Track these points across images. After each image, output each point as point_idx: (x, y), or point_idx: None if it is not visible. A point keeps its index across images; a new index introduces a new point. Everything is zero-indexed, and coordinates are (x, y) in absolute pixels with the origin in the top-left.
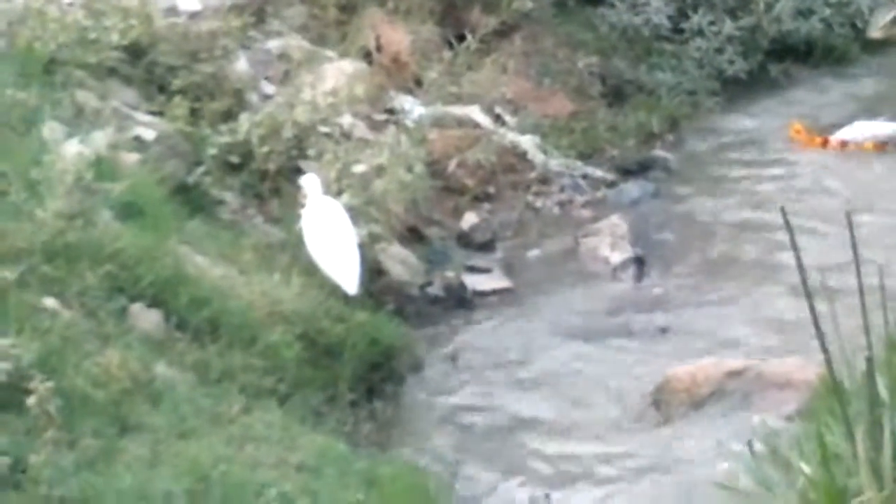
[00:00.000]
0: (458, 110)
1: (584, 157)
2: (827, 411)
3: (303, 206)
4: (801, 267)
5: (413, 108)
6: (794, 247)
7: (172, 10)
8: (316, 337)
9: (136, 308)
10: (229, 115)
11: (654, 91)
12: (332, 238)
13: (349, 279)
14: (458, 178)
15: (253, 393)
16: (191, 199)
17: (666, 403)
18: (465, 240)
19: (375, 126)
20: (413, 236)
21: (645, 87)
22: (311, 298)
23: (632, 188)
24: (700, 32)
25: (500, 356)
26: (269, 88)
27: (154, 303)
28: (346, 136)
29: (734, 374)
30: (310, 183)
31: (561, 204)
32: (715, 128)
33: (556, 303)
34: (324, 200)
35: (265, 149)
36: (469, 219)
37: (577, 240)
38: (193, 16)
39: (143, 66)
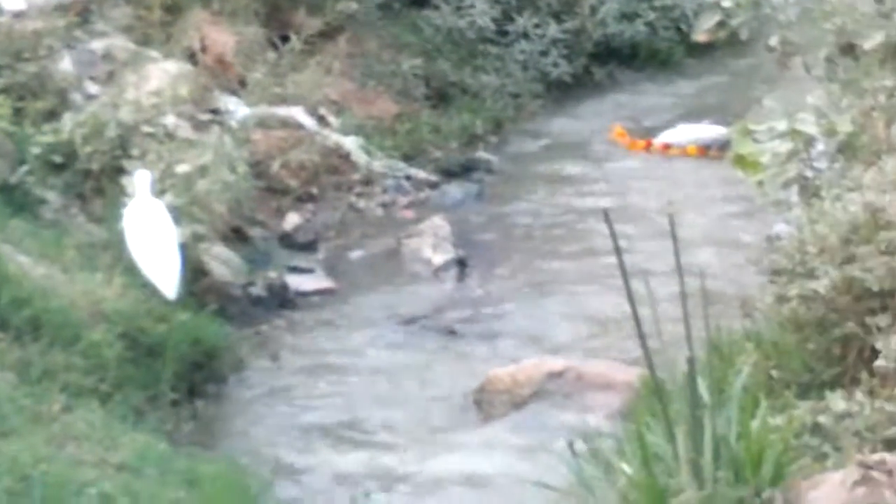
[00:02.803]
0: (281, 111)
1: (408, 158)
2: (648, 412)
3: (125, 205)
4: (622, 269)
5: (237, 108)
6: (616, 249)
7: None
8: (138, 336)
9: None
10: (53, 115)
11: (479, 93)
12: (152, 241)
13: (168, 284)
14: (281, 179)
15: (74, 392)
16: (13, 198)
17: (487, 404)
18: (287, 240)
19: (199, 126)
20: (236, 236)
21: (469, 89)
22: (133, 298)
23: (455, 190)
24: (524, 35)
25: (321, 356)
26: (93, 88)
27: None
28: (170, 136)
29: (555, 374)
30: (141, 179)
31: (384, 205)
32: (539, 130)
33: (378, 303)
34: (146, 201)
35: (88, 148)
36: (292, 219)
37: (400, 241)
38: (18, 15)
39: None
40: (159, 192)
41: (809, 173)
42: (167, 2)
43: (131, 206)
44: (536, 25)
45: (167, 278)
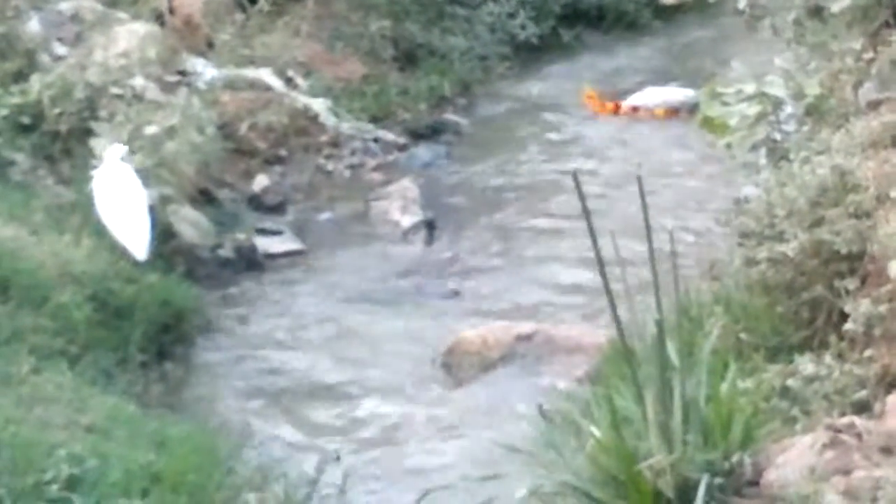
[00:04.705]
0: (250, 73)
1: (376, 120)
2: (617, 375)
3: (93, 167)
4: (591, 231)
5: (205, 70)
6: (585, 211)
7: None
8: (107, 298)
9: None
10: (21, 76)
11: (446, 55)
12: (121, 203)
13: (138, 245)
14: (249, 141)
15: (43, 354)
16: None
17: (456, 366)
18: (256, 202)
19: (167, 88)
20: (204, 198)
21: (437, 51)
22: (102, 259)
23: (423, 152)
24: None
25: (290, 319)
26: (61, 49)
27: None
28: (138, 97)
29: (524, 337)
30: (113, 152)
31: (352, 167)
32: (507, 92)
33: (346, 265)
34: (116, 163)
35: (57, 110)
36: (260, 181)
37: (368, 203)
38: None
39: None
40: (127, 154)
41: (778, 136)
42: None
43: (101, 169)
44: None
45: (137, 239)
